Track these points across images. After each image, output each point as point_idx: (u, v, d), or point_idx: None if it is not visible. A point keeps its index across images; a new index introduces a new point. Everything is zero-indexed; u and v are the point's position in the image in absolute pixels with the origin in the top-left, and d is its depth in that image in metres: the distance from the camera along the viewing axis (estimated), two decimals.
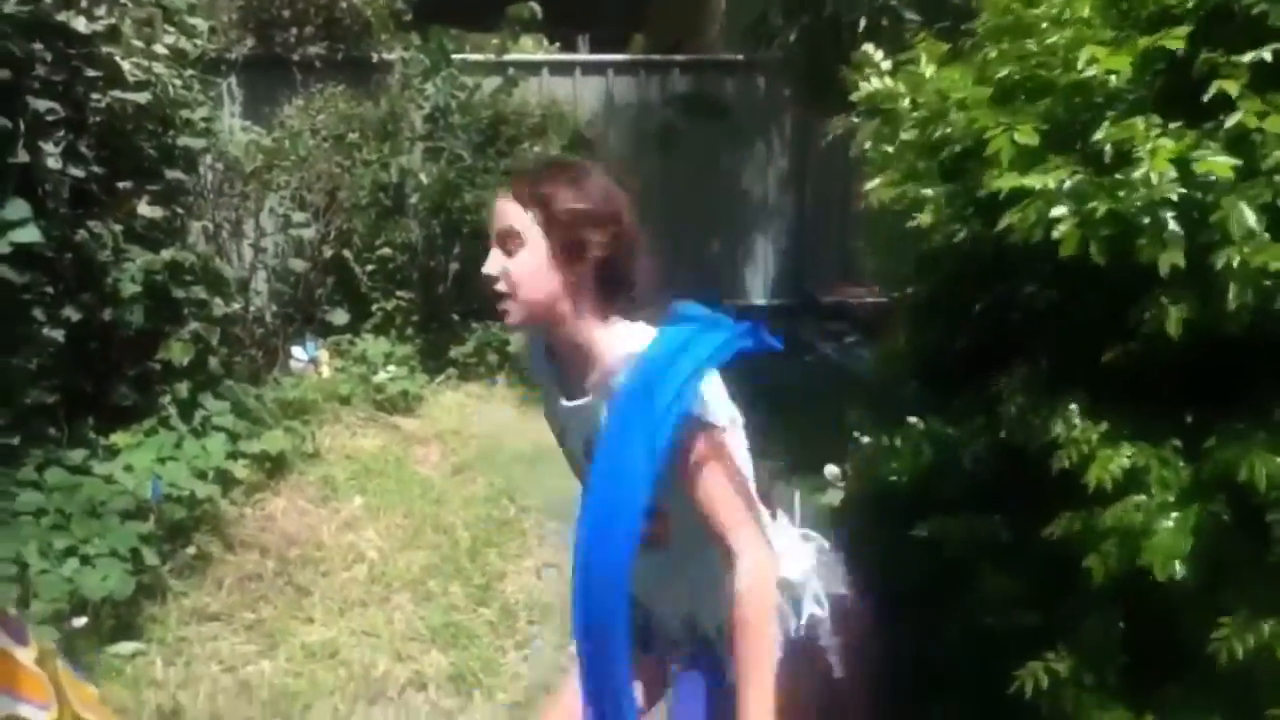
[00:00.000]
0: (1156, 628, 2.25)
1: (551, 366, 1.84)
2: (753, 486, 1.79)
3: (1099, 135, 2.13)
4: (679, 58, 8.31)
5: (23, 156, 3.96)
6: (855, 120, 2.96)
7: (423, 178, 6.59)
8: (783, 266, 8.35)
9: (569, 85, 7.94)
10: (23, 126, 3.96)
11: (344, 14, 7.41)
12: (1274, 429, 2.02)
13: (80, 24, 4.16)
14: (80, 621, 3.21)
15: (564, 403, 1.80)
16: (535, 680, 3.32)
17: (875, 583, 2.86)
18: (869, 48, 2.85)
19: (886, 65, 2.84)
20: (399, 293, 6.71)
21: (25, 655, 1.90)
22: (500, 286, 1.69)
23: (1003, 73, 2.46)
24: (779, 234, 8.37)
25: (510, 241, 1.68)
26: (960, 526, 2.53)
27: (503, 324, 1.77)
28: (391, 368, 5.95)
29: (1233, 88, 2.02)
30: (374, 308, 6.65)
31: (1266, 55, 2.04)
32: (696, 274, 8.07)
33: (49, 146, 4.07)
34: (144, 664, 3.26)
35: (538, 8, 7.88)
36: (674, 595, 1.90)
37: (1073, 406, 2.29)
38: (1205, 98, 2.06)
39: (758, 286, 8.37)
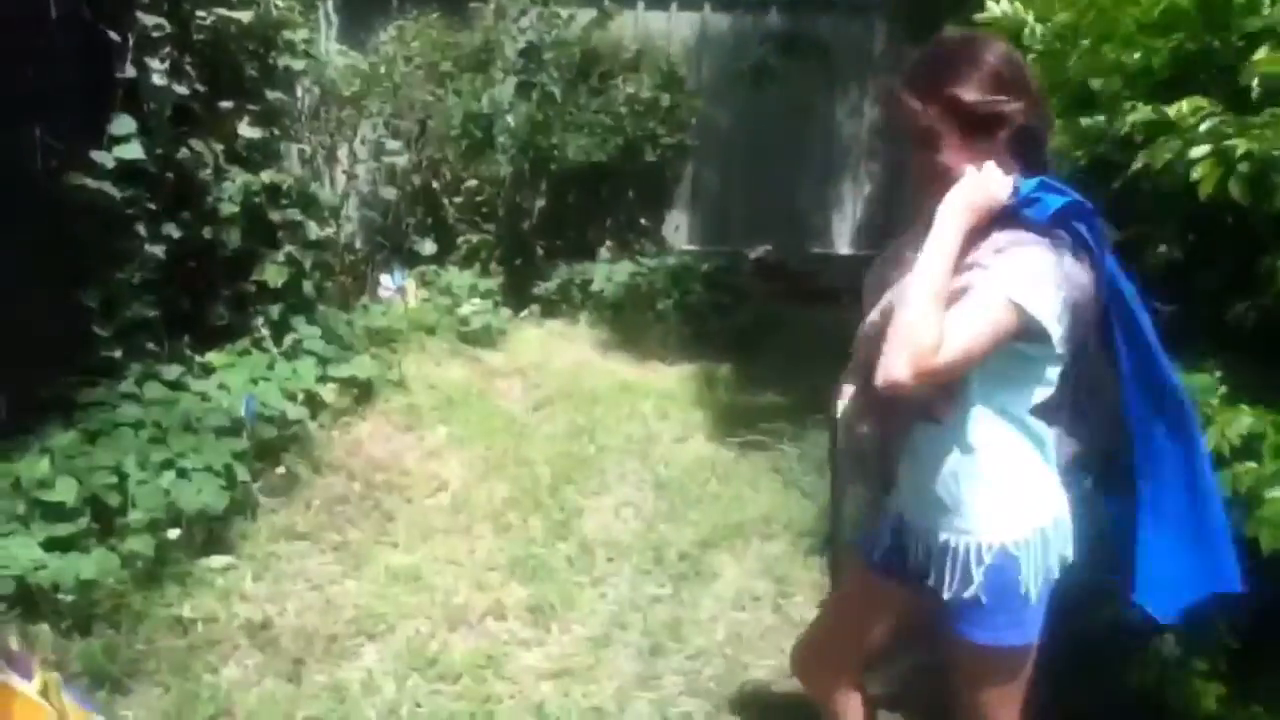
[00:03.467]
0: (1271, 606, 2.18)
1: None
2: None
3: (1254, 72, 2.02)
4: None
5: (130, 72, 4.02)
6: None
7: (510, 120, 6.55)
8: (870, 215, 8.18)
9: (663, 20, 7.80)
10: (131, 41, 4.01)
11: None
12: None
13: None
14: (174, 533, 3.31)
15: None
16: (610, 616, 3.35)
17: None
18: None
19: None
20: (485, 226, 6.73)
21: (28, 688, 1.95)
22: (927, 180, 1.74)
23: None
24: (871, 180, 8.19)
25: (925, 140, 1.73)
26: None
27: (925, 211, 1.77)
28: (476, 300, 5.98)
29: None
30: (460, 240, 6.68)
31: None
32: (785, 218, 7.96)
33: (155, 63, 4.11)
34: (234, 578, 3.35)
35: None
36: (922, 493, 1.84)
37: (1197, 364, 2.21)
38: None
39: (844, 234, 8.22)
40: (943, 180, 1.72)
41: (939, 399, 1.75)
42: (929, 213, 1.74)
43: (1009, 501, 1.78)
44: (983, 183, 1.69)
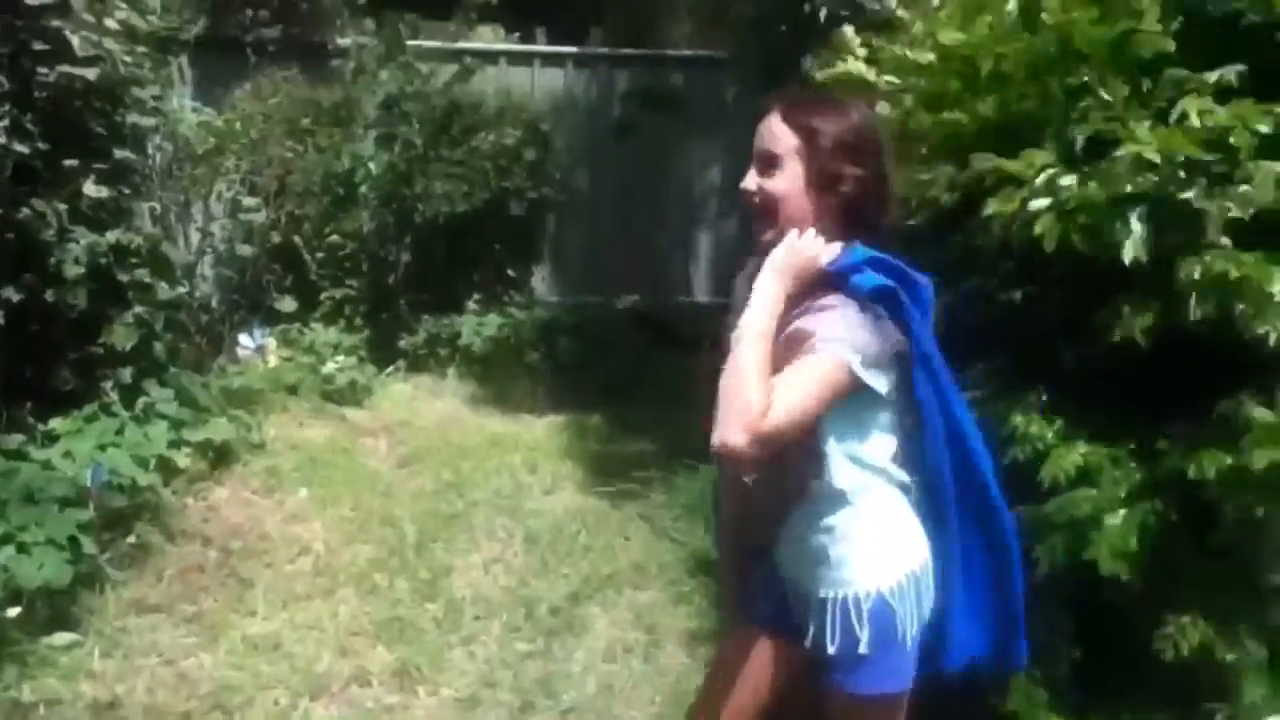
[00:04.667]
0: (1108, 626, 2.28)
1: None
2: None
3: (1080, 127, 2.15)
4: (636, 51, 8.27)
5: None
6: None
7: (372, 167, 6.51)
8: (725, 263, 8.32)
9: (527, 76, 7.87)
10: None
11: None
12: (1224, 428, 2.06)
13: None
14: (14, 611, 3.14)
15: None
16: (480, 675, 3.30)
17: None
18: (848, 30, 2.90)
19: (861, 51, 2.89)
20: (349, 281, 6.63)
21: None
22: (756, 201, 1.79)
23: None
24: (729, 230, 8.35)
25: (769, 163, 1.77)
26: None
27: (759, 240, 1.82)
28: (340, 358, 5.88)
29: (1194, 106, 2.06)
30: (323, 296, 6.56)
31: (1231, 77, 2.08)
32: (649, 269, 8.06)
33: None
34: (80, 655, 3.19)
35: None
36: (803, 550, 1.85)
37: (1031, 401, 2.32)
38: (1173, 117, 2.10)
39: (702, 283, 8.34)
40: (776, 212, 1.78)
41: (807, 472, 1.78)
42: (763, 245, 1.80)
43: (882, 549, 1.81)
44: (802, 246, 1.74)
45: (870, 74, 2.87)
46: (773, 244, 1.79)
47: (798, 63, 4.49)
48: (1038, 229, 2.12)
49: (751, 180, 1.81)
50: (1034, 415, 2.30)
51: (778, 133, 1.78)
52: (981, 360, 2.49)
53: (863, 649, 1.77)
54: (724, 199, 8.29)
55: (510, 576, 3.97)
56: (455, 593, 3.81)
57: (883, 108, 2.77)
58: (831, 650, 1.80)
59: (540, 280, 7.74)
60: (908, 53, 2.71)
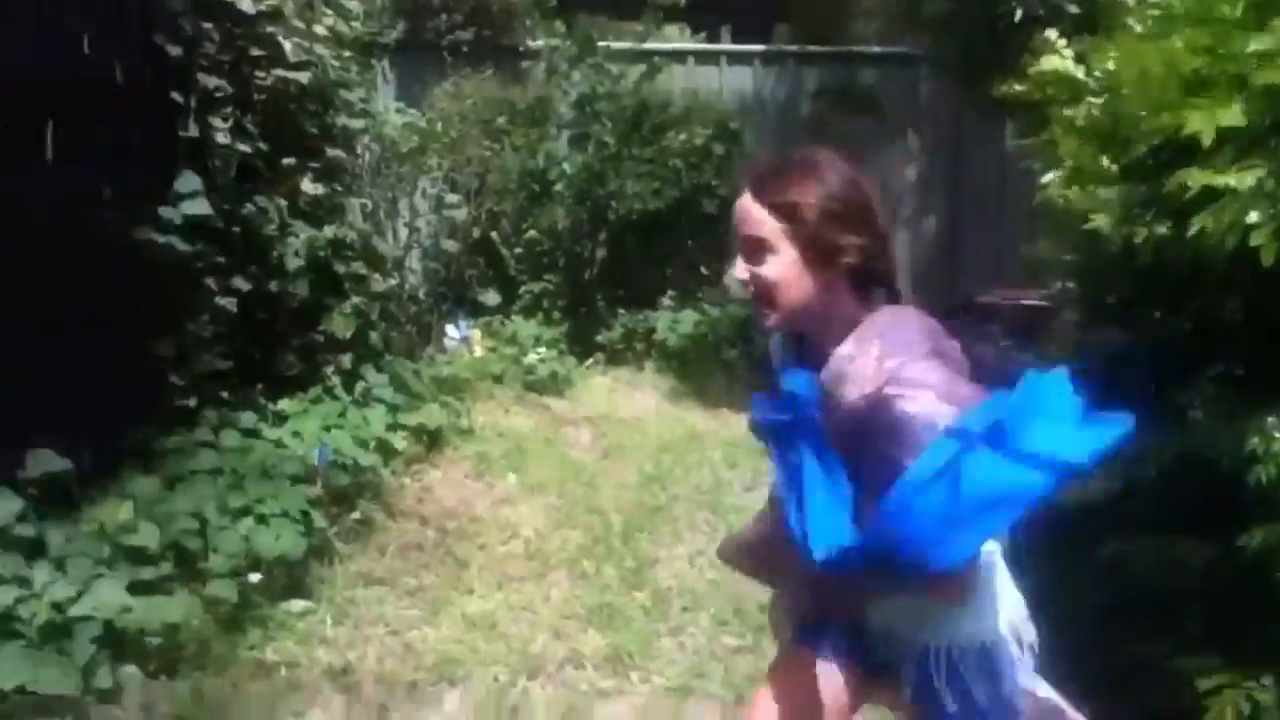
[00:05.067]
0: None
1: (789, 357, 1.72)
2: None
3: None
4: (825, 49, 8.14)
5: (193, 131, 4.08)
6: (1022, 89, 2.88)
7: (566, 167, 6.61)
8: (932, 265, 8.10)
9: (714, 75, 7.85)
10: (193, 102, 4.08)
11: (491, 0, 7.48)
12: None
13: (246, 4, 4.25)
14: (255, 577, 3.29)
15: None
16: (690, 666, 3.27)
17: (1049, 605, 2.72)
18: (1051, 33, 2.81)
19: (1068, 52, 2.78)
20: (546, 276, 6.76)
21: None
22: (750, 292, 1.62)
23: (1195, 64, 2.27)
24: (929, 232, 8.11)
25: (757, 247, 1.59)
26: (1147, 548, 2.38)
27: (762, 329, 1.69)
28: (541, 349, 5.99)
29: None
30: (522, 290, 6.71)
31: None
32: None
33: (217, 122, 4.19)
34: (314, 622, 3.32)
35: None
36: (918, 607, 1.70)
37: (1270, 419, 2.13)
38: None
39: (903, 285, 8.11)
40: (775, 299, 1.60)
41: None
42: (768, 331, 1.68)
43: (988, 598, 1.67)
44: None
45: (1079, 72, 2.73)
46: (776, 329, 1.66)
47: (995, 60, 4.33)
48: (1254, 241, 1.92)
49: (742, 269, 1.61)
50: (1274, 431, 2.11)
51: (757, 216, 1.58)
52: (1214, 373, 2.31)
53: (978, 699, 1.64)
54: (920, 196, 8.08)
55: (714, 570, 3.91)
56: (661, 583, 3.79)
57: (1089, 106, 2.62)
58: (951, 706, 1.66)
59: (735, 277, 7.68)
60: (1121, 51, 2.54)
